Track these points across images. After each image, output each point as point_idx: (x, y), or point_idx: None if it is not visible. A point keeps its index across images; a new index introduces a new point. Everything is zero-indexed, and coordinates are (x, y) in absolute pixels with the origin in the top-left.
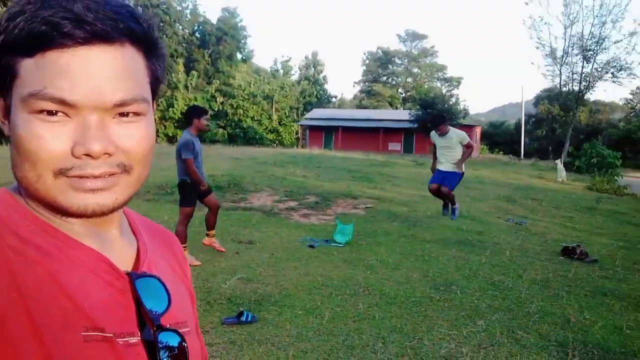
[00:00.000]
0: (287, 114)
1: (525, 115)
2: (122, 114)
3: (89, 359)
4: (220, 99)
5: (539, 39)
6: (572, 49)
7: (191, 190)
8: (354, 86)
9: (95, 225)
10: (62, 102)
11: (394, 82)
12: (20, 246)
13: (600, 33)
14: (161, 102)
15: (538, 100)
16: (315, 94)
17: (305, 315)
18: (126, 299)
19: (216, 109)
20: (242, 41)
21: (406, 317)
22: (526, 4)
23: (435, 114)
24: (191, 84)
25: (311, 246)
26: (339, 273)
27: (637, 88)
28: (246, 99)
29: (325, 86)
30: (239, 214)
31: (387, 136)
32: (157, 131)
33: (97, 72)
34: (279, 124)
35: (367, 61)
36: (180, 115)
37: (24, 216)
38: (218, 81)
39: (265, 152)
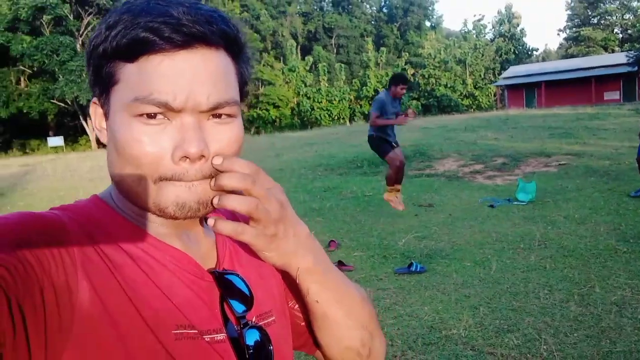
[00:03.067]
0: (482, 76)
1: None
2: (215, 115)
3: (181, 357)
4: (411, 71)
5: None
6: None
7: (379, 143)
8: (558, 34)
9: (182, 226)
10: (166, 106)
11: (607, 23)
12: (109, 250)
13: None
14: (355, 81)
15: None
16: (512, 50)
17: (472, 267)
18: (211, 296)
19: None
20: (430, 8)
21: (580, 268)
22: None
23: None
24: (381, 60)
25: (491, 206)
26: (516, 229)
27: None
28: (437, 67)
29: (524, 39)
30: (422, 180)
31: (602, 85)
32: (354, 111)
33: (195, 75)
34: (475, 88)
35: (572, 4)
36: (373, 93)
37: (114, 219)
38: (407, 53)
39: (458, 118)
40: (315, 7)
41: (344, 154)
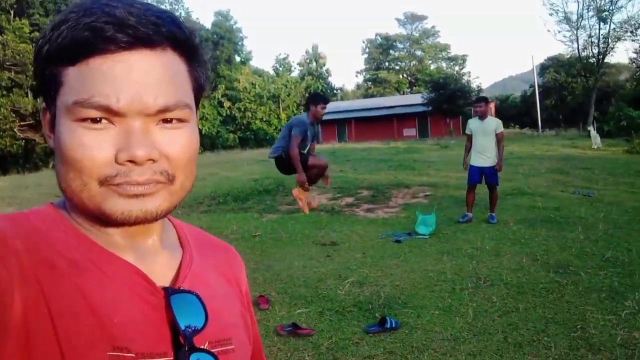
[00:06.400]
0: (294, 111)
1: (530, 86)
2: (165, 120)
3: None
4: (227, 104)
5: (551, 5)
6: (587, 12)
7: (285, 164)
8: (356, 76)
9: (135, 237)
10: (108, 109)
11: (398, 68)
12: (53, 260)
13: None
14: None
15: (543, 70)
16: (320, 88)
17: (445, 315)
18: (160, 315)
19: (224, 115)
20: (239, 43)
21: (549, 306)
22: None
23: (480, 97)
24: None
25: (397, 241)
26: (445, 266)
27: None
28: (253, 101)
29: (329, 79)
30: (304, 215)
31: (401, 122)
32: None
33: (140, 77)
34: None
35: (368, 49)
36: None
37: (64, 229)
38: (223, 86)
39: None
40: None
41: (193, 189)
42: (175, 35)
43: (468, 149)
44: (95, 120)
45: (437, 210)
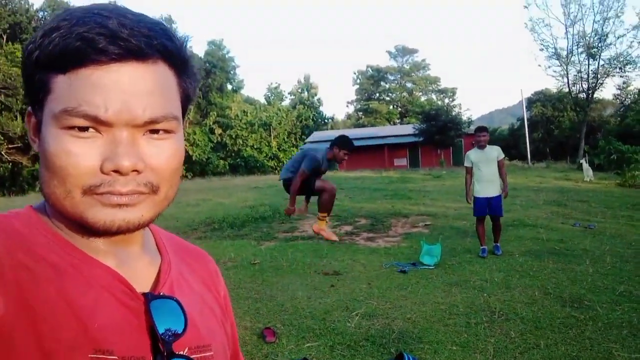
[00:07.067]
0: (285, 139)
1: (517, 120)
2: (152, 131)
3: None
4: (218, 131)
5: (541, 41)
6: (577, 48)
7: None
8: (347, 106)
9: (117, 243)
10: (96, 119)
11: (388, 99)
12: (33, 264)
13: (602, 29)
14: None
15: (530, 104)
16: (311, 117)
17: (464, 351)
18: (140, 321)
19: (215, 141)
20: (232, 72)
21: (572, 344)
22: (525, 7)
23: (480, 126)
24: (188, 118)
25: (402, 271)
26: (456, 299)
27: (624, 82)
28: (244, 128)
29: (321, 108)
30: (303, 243)
31: (392, 152)
32: None
33: (129, 88)
34: (279, 150)
35: (359, 80)
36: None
37: (45, 233)
38: (215, 113)
39: (274, 178)
40: None
41: (186, 215)
42: (166, 48)
43: (469, 183)
44: (82, 129)
45: (437, 241)
